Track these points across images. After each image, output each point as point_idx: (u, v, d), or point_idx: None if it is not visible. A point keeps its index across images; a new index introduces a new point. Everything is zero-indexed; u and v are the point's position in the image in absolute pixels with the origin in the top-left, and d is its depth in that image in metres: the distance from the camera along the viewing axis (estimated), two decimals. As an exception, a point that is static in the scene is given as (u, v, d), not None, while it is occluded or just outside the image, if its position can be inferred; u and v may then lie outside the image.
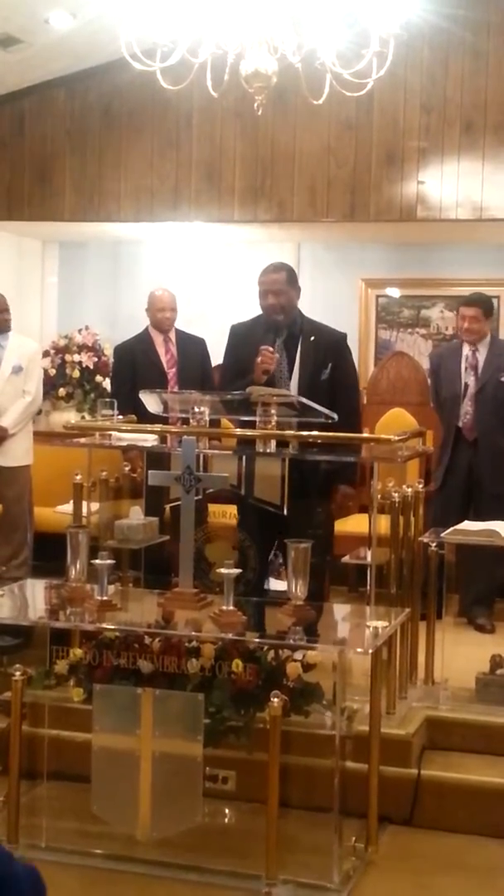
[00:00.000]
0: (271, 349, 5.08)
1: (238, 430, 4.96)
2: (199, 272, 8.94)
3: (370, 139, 7.21)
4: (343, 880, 3.93)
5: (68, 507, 5.20)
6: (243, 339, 5.31)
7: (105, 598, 4.22)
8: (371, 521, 4.74)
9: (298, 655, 4.22)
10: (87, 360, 8.39)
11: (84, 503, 5.03)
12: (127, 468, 5.42)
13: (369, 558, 4.73)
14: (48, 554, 5.58)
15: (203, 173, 7.52)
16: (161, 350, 6.54)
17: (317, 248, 9.04)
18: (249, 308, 5.50)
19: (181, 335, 6.63)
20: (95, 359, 8.41)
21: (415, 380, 7.72)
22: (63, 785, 4.43)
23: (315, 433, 4.61)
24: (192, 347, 6.60)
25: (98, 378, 8.37)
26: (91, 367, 8.39)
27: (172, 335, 6.59)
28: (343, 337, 5.39)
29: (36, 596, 4.97)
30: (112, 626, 4.20)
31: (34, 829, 4.19)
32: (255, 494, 4.77)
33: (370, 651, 4.06)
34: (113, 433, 5.00)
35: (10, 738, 4.19)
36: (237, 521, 5.27)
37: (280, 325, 5.21)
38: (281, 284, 5.21)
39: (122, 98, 7.56)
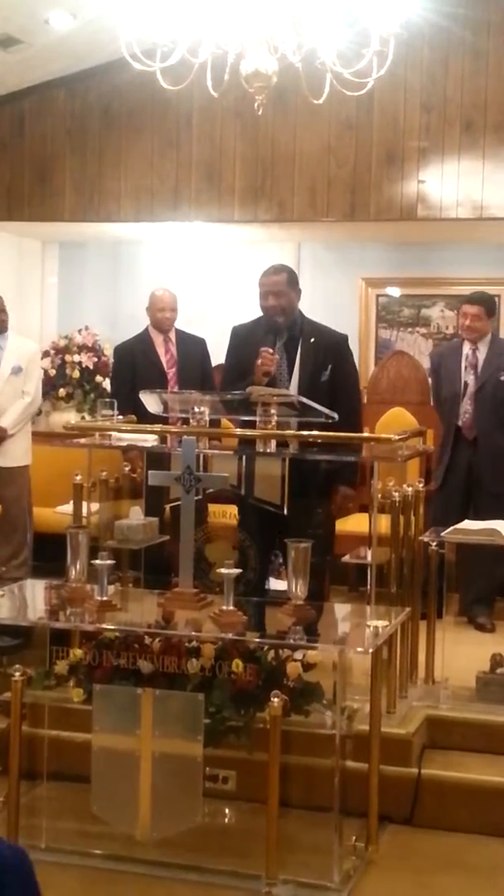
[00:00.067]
0: (271, 351, 5.07)
1: (238, 430, 4.96)
2: (200, 272, 8.95)
3: (370, 139, 7.21)
4: (343, 880, 3.93)
5: (68, 508, 5.20)
6: (244, 341, 5.31)
7: (105, 598, 4.22)
8: (371, 521, 4.74)
9: (298, 655, 4.22)
10: (87, 360, 8.39)
11: (84, 503, 5.03)
12: (127, 468, 5.42)
13: (369, 558, 4.73)
14: (48, 554, 5.58)
15: (203, 173, 7.52)
16: (161, 350, 6.54)
17: (317, 248, 9.04)
18: (249, 308, 5.50)
19: (181, 335, 6.63)
20: (95, 359, 8.41)
21: (415, 379, 7.73)
22: (63, 785, 4.43)
23: (315, 433, 4.61)
24: (192, 347, 6.60)
25: (98, 378, 8.37)
26: (91, 367, 8.39)
27: (172, 335, 6.59)
28: (343, 338, 5.38)
29: (36, 596, 4.98)
30: (112, 627, 4.20)
31: (34, 829, 4.19)
32: (255, 494, 4.77)
33: (370, 650, 4.06)
34: (113, 433, 5.00)
35: (9, 739, 4.19)
36: (237, 521, 5.27)
37: (280, 326, 5.21)
38: (281, 286, 5.21)
39: (122, 98, 7.56)
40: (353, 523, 6.09)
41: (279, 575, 5.33)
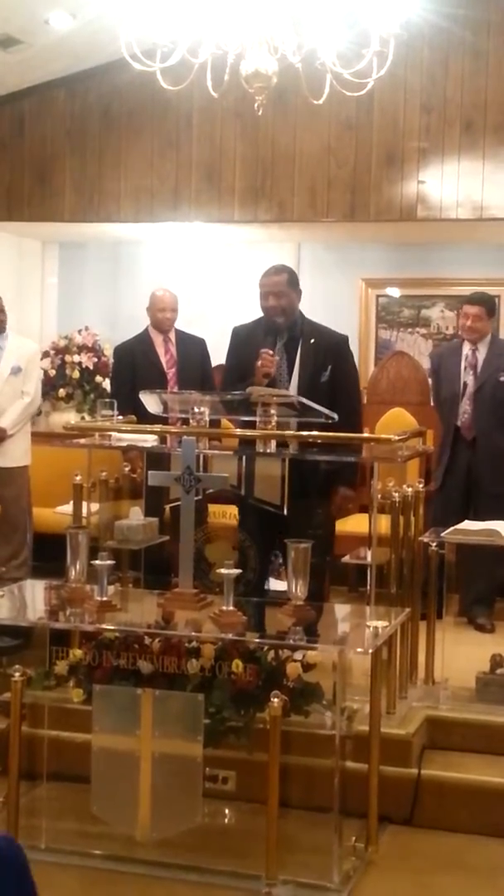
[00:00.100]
0: (271, 352, 5.07)
1: (238, 430, 4.96)
2: (199, 272, 8.95)
3: (370, 139, 7.21)
4: (343, 880, 3.93)
5: (68, 508, 5.19)
6: (245, 341, 5.31)
7: (105, 598, 4.22)
8: (371, 521, 4.74)
9: (298, 655, 4.22)
10: (87, 360, 8.39)
11: (84, 504, 5.03)
12: (127, 469, 5.42)
13: (369, 558, 4.73)
14: (48, 554, 5.58)
15: (203, 173, 7.52)
16: (161, 350, 6.54)
17: (317, 248, 9.04)
18: (250, 309, 5.50)
19: (181, 335, 6.62)
20: (95, 359, 8.42)
21: (415, 379, 7.73)
22: (63, 785, 4.43)
23: (315, 433, 4.61)
24: (191, 348, 6.60)
25: (98, 378, 8.37)
26: (91, 367, 8.39)
27: (172, 335, 6.59)
28: (344, 339, 5.38)
29: (36, 596, 4.98)
30: (112, 627, 4.20)
31: (34, 829, 4.18)
32: (255, 495, 4.77)
33: (370, 651, 4.06)
34: (113, 434, 5.01)
35: (9, 739, 4.18)
36: (237, 521, 5.27)
37: (280, 327, 5.20)
38: (282, 286, 5.21)
39: (122, 98, 7.56)
40: (352, 524, 6.09)
41: (279, 575, 5.33)
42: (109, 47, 6.07)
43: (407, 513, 4.88)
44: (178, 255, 8.99)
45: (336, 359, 5.24)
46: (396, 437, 4.82)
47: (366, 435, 5.56)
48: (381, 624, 4.21)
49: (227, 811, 4.40)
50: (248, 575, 4.29)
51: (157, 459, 4.84)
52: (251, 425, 4.65)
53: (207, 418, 4.67)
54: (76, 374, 8.37)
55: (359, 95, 4.82)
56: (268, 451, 4.66)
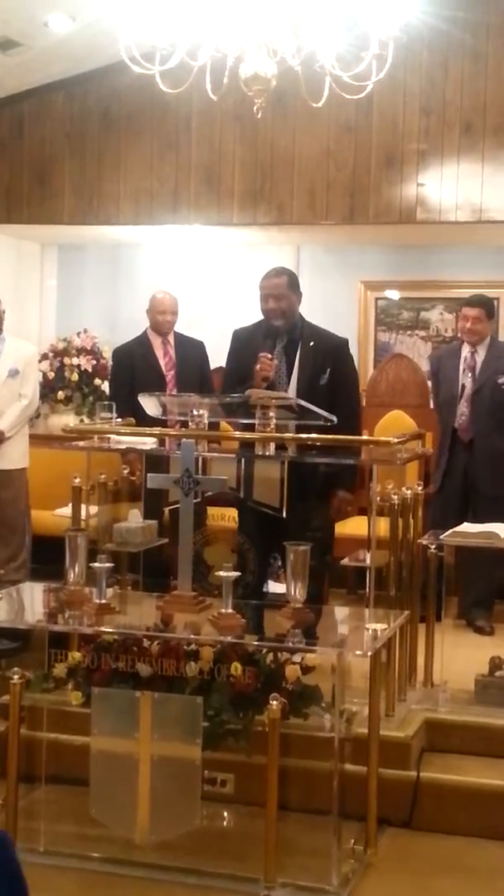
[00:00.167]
0: (270, 356, 5.07)
1: (237, 433, 4.96)
2: (199, 275, 8.95)
3: (369, 142, 7.21)
4: (342, 883, 3.92)
5: (67, 510, 5.19)
6: (245, 344, 5.30)
7: (103, 601, 4.21)
8: (370, 524, 4.73)
9: (297, 658, 4.22)
10: (86, 363, 8.39)
11: (83, 506, 5.03)
12: (126, 471, 5.42)
13: (368, 561, 4.73)
14: (47, 557, 5.57)
15: (202, 176, 7.53)
16: (160, 353, 6.53)
17: (316, 251, 9.04)
18: (249, 311, 5.50)
19: (180, 338, 6.62)
20: (94, 362, 8.42)
21: (414, 382, 7.73)
22: (61, 788, 4.42)
23: (313, 436, 4.61)
24: (190, 350, 6.59)
25: (97, 381, 8.37)
26: (90, 370, 8.40)
27: (171, 338, 6.58)
28: (343, 342, 5.38)
29: (34, 599, 4.97)
30: (110, 630, 4.19)
31: (32, 832, 4.18)
32: (254, 497, 4.77)
33: (369, 653, 4.06)
34: (111, 436, 5.01)
35: (8, 742, 4.18)
36: (236, 524, 5.26)
37: (280, 330, 5.20)
38: (282, 289, 5.20)
39: (121, 101, 7.56)
40: (352, 526, 6.08)
41: (278, 578, 5.33)
42: (109, 50, 6.07)
43: (406, 515, 4.88)
44: (178, 258, 9.00)
45: (335, 362, 5.23)
46: (395, 440, 4.83)
47: (365, 437, 5.57)
48: (380, 626, 4.20)
49: (225, 814, 4.40)
50: (247, 577, 4.28)
51: (156, 462, 4.84)
52: (250, 428, 4.65)
53: (206, 421, 4.67)
54: (75, 377, 8.37)
55: (358, 98, 4.82)
56: (267, 453, 4.66)
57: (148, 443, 4.93)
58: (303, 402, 4.67)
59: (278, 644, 4.16)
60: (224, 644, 4.08)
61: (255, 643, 4.17)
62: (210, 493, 4.64)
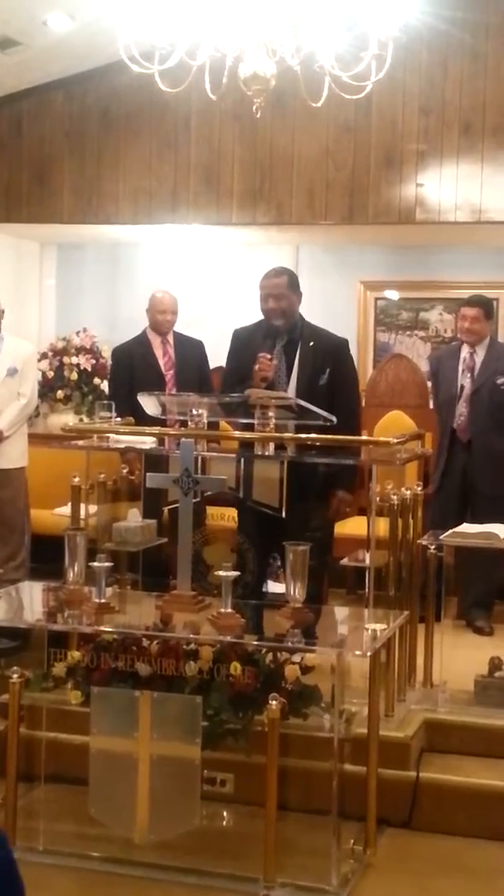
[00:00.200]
0: (269, 356, 5.07)
1: (236, 432, 4.96)
2: (198, 275, 8.95)
3: (369, 142, 7.21)
4: (341, 883, 3.92)
5: (66, 510, 5.19)
6: (245, 344, 5.30)
7: (103, 600, 4.21)
8: (370, 524, 4.73)
9: (297, 658, 4.22)
10: (85, 362, 8.39)
11: (82, 505, 5.03)
12: (125, 470, 5.41)
13: (368, 561, 4.73)
14: (46, 556, 5.57)
15: (201, 176, 7.52)
16: (159, 352, 6.53)
17: (315, 251, 9.04)
18: (248, 311, 5.50)
19: (179, 337, 6.62)
20: (93, 361, 8.41)
21: (413, 382, 7.73)
22: (61, 788, 4.42)
23: (313, 436, 4.61)
24: (190, 350, 6.59)
25: (96, 380, 8.37)
26: (89, 369, 8.39)
27: (171, 337, 6.58)
28: (343, 343, 5.38)
29: (34, 598, 4.97)
30: (110, 629, 4.19)
31: (32, 831, 4.18)
32: (254, 497, 4.77)
33: (369, 653, 4.06)
34: (111, 435, 5.01)
35: (7, 741, 4.18)
36: (236, 523, 5.26)
37: (280, 329, 5.20)
38: (282, 289, 5.20)
39: (120, 100, 7.56)
40: (351, 526, 6.08)
41: (277, 578, 5.33)
42: (108, 49, 6.07)
43: (405, 515, 4.88)
44: (177, 257, 9.00)
45: (335, 362, 5.23)
46: (395, 440, 4.82)
47: (364, 438, 5.56)
48: (379, 626, 4.20)
49: (225, 814, 4.40)
50: (246, 577, 4.28)
51: (155, 461, 4.84)
52: (250, 428, 4.65)
53: (206, 420, 4.67)
54: (74, 376, 8.37)
55: (357, 98, 4.82)
56: (266, 453, 4.66)
57: (147, 442, 4.93)
58: (302, 402, 4.67)
59: (278, 644, 4.16)
60: (223, 644, 4.08)
61: (255, 643, 4.17)
62: (209, 493, 4.65)
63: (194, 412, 4.66)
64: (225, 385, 5.41)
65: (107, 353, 8.20)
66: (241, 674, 4.04)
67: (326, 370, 5.18)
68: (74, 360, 8.40)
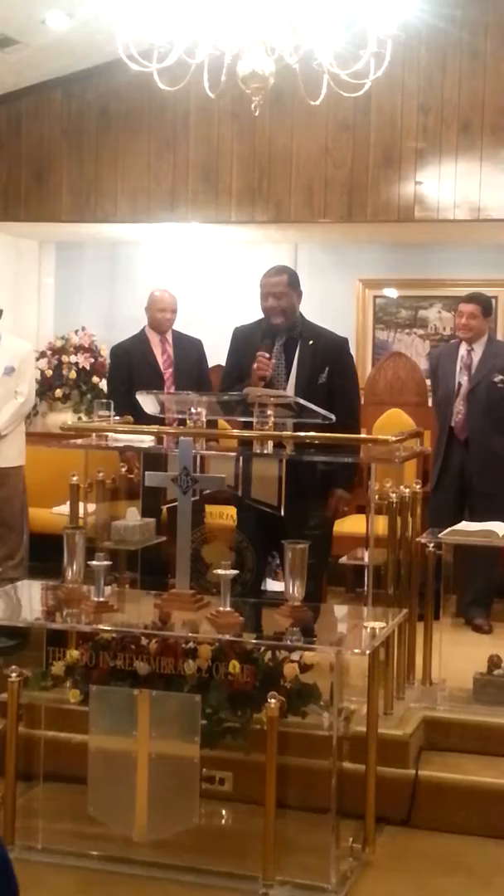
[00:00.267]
0: (267, 355, 5.07)
1: (235, 431, 4.96)
2: (197, 273, 8.94)
3: (367, 140, 7.20)
4: (340, 881, 3.92)
5: (65, 508, 5.19)
6: (244, 342, 5.30)
7: (101, 599, 4.21)
8: (369, 522, 4.73)
9: (296, 656, 4.21)
10: (84, 361, 8.39)
11: (81, 504, 5.03)
12: (124, 469, 5.42)
13: (367, 559, 4.73)
14: (45, 555, 5.58)
15: (200, 174, 7.52)
16: (158, 351, 6.53)
17: (314, 249, 9.03)
18: (247, 309, 5.49)
19: (178, 336, 6.62)
20: (92, 360, 8.42)
21: (412, 380, 7.72)
22: (59, 786, 4.42)
23: (312, 434, 4.61)
24: (188, 348, 6.59)
25: (95, 379, 8.37)
26: (87, 368, 8.40)
27: (169, 336, 6.58)
28: (343, 342, 5.37)
29: (32, 597, 4.97)
30: (109, 628, 4.19)
31: (30, 830, 4.18)
32: (253, 495, 4.76)
33: (367, 652, 4.06)
34: (109, 434, 5.00)
35: (6, 740, 4.18)
36: (234, 522, 5.26)
37: (280, 328, 5.20)
38: (282, 287, 5.20)
39: (119, 99, 7.56)
40: (350, 524, 6.09)
41: (276, 576, 5.33)
42: (106, 48, 6.08)
43: (404, 514, 4.88)
44: (175, 256, 8.99)
45: (334, 361, 5.23)
46: (394, 438, 4.82)
47: (363, 436, 5.56)
48: (378, 625, 4.20)
49: (224, 812, 4.39)
50: (245, 576, 4.28)
51: (154, 460, 4.84)
52: (248, 426, 4.65)
53: (204, 419, 4.67)
54: (73, 375, 8.37)
55: (356, 96, 4.82)
56: (265, 451, 4.66)
57: (146, 441, 4.92)
58: (301, 401, 4.67)
59: (277, 642, 4.16)
60: (222, 642, 4.08)
61: (254, 641, 4.17)
62: (208, 492, 4.66)
63: (193, 411, 4.65)
64: (224, 383, 5.40)
65: (105, 352, 8.20)
66: (239, 672, 4.04)
67: (326, 369, 5.18)
68: (73, 358, 8.41)
